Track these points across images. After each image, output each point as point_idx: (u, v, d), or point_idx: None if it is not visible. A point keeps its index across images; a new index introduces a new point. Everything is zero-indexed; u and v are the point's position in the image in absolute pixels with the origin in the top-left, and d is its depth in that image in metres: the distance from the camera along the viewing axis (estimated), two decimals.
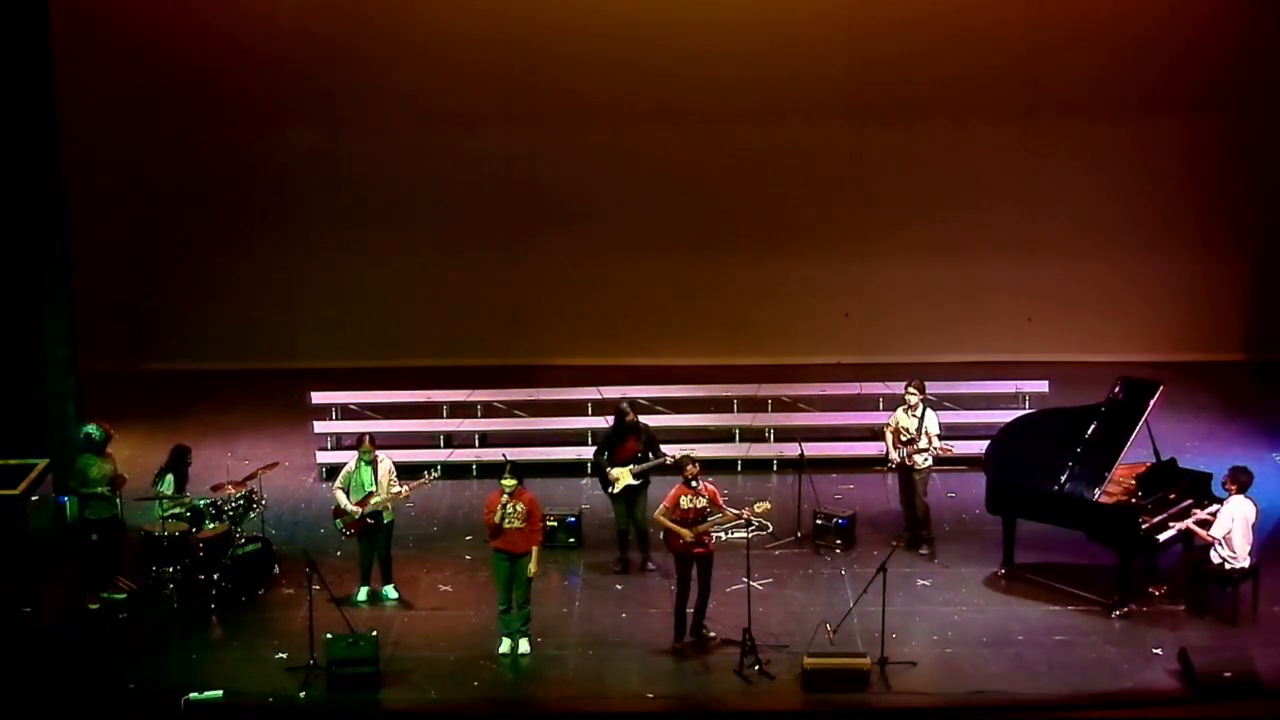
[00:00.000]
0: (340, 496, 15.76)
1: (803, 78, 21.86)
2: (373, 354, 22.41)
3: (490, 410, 20.27)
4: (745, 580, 15.26)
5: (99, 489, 15.79)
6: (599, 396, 19.77)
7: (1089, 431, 15.69)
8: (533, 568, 14.71)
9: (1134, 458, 15.81)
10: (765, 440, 19.57)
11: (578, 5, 21.77)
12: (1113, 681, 14.12)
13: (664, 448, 16.49)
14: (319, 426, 19.83)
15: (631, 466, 16.28)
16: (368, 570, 15.94)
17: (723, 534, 15.66)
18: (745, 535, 15.46)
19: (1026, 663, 14.45)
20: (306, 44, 21.84)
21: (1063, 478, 15.52)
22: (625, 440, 16.40)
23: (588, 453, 18.73)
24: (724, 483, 17.89)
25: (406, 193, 22.38)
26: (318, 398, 20.29)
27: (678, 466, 14.96)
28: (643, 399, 19.70)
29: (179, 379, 22.16)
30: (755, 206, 22.33)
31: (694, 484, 14.63)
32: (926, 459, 16.47)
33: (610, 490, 16.44)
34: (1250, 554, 15.08)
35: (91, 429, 16.05)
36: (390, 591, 15.95)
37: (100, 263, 21.57)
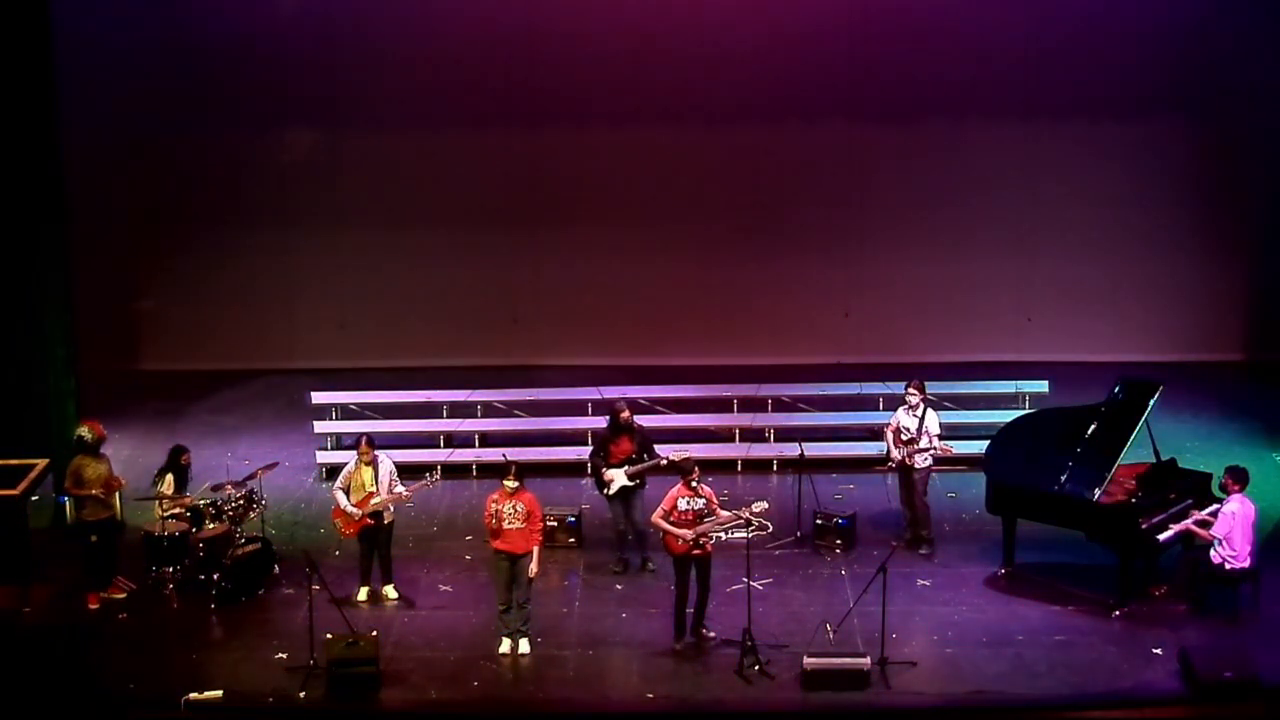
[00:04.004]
0: (340, 497, 15.76)
1: (803, 78, 21.85)
2: (373, 354, 22.41)
3: (490, 410, 20.28)
4: (745, 580, 15.26)
5: (93, 490, 15.79)
6: (599, 396, 19.78)
7: (1089, 431, 15.69)
8: (534, 568, 14.72)
9: (1134, 458, 15.80)
10: (765, 440, 19.57)
11: (578, 5, 21.74)
12: (1113, 681, 14.12)
13: (662, 448, 16.50)
14: (319, 426, 19.84)
15: (626, 468, 16.29)
16: (368, 570, 15.95)
17: (723, 534, 15.64)
18: (745, 535, 15.45)
19: (1026, 663, 14.45)
20: (306, 44, 21.83)
21: (1063, 478, 15.51)
22: (620, 440, 16.40)
23: (587, 453, 18.73)
24: (724, 483, 17.98)
25: (406, 193, 22.37)
26: (318, 398, 20.30)
27: (681, 468, 14.93)
28: (643, 399, 19.72)
29: (179, 379, 22.16)
30: (755, 207, 22.32)
31: (694, 485, 14.62)
32: (927, 459, 16.47)
33: (605, 491, 16.45)
34: (1250, 554, 15.08)
35: (83, 431, 16.05)
36: (390, 591, 15.96)
37: (100, 263, 21.58)
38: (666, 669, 14.55)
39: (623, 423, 16.44)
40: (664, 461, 16.14)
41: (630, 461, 16.31)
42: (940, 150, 22.11)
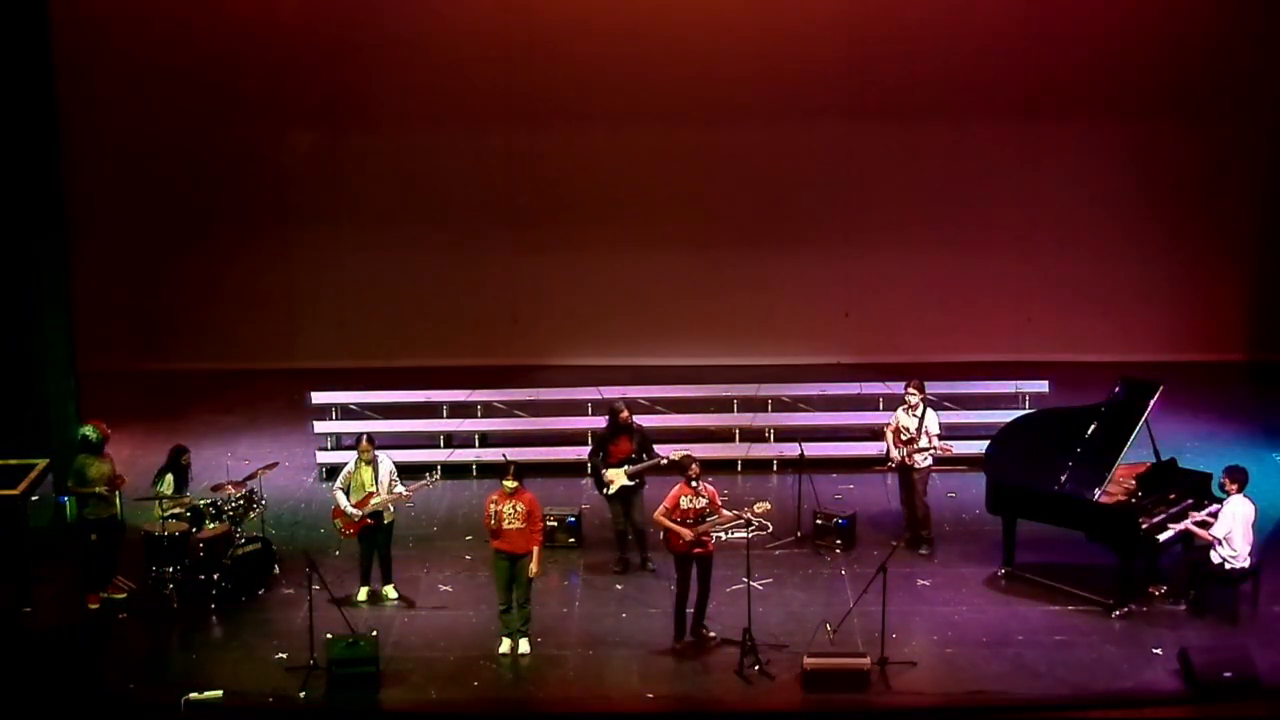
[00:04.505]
0: (340, 497, 15.76)
1: (803, 78, 21.86)
2: (373, 354, 22.41)
3: (490, 410, 20.28)
4: (745, 580, 15.26)
5: (97, 488, 15.79)
6: (599, 396, 19.77)
7: (1089, 431, 15.69)
8: (534, 568, 14.72)
9: (1134, 458, 15.80)
10: (765, 440, 19.57)
11: (578, 5, 21.76)
12: (1113, 681, 14.12)
13: (662, 448, 16.51)
14: (319, 426, 19.84)
15: (626, 467, 16.29)
16: (368, 570, 15.94)
17: (723, 534, 15.65)
18: (745, 535, 15.45)
19: (1026, 663, 14.44)
20: (306, 44, 21.84)
21: (1063, 478, 15.52)
22: (619, 440, 16.40)
23: (587, 453, 18.72)
24: (724, 483, 17.93)
25: (406, 193, 22.38)
26: (318, 398, 20.29)
27: (680, 466, 14.95)
28: (643, 399, 19.72)
29: (179, 379, 22.16)
30: (755, 206, 22.32)
31: (695, 484, 14.62)
32: (927, 459, 16.47)
33: (605, 491, 16.45)
34: (1250, 554, 15.08)
35: (88, 430, 16.06)
36: (390, 591, 15.96)
37: (100, 263, 21.59)
38: (666, 669, 14.55)
39: (622, 422, 16.44)
40: (664, 461, 16.15)
41: (630, 461, 16.32)
42: (940, 150, 22.11)
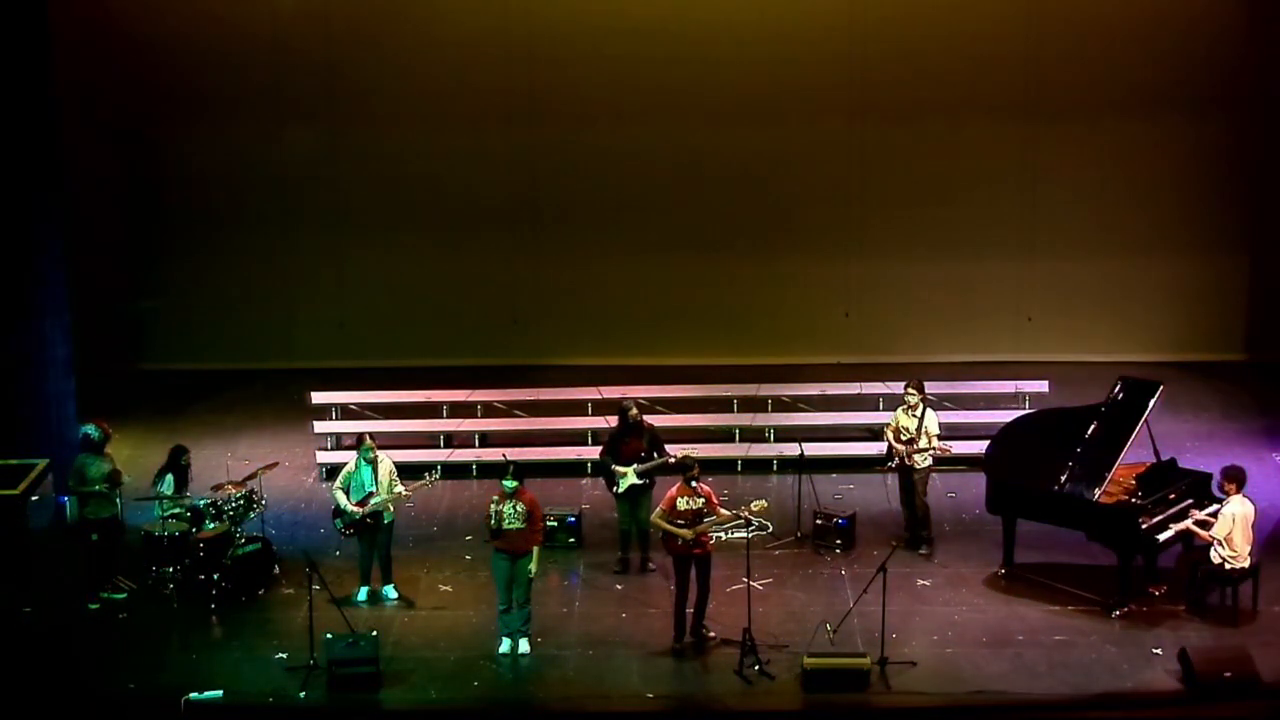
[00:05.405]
0: (340, 497, 15.76)
1: (803, 78, 21.87)
2: (373, 354, 22.42)
3: (490, 410, 20.28)
4: (745, 580, 15.26)
5: (98, 487, 15.80)
6: (599, 396, 19.78)
7: (1089, 431, 15.70)
8: (533, 568, 14.72)
9: (1134, 458, 15.81)
10: (765, 440, 19.57)
11: (578, 6, 21.78)
12: (1113, 681, 14.12)
13: (667, 447, 16.50)
14: (319, 426, 19.84)
15: (635, 466, 16.28)
16: (368, 570, 15.94)
17: (723, 534, 15.66)
18: (745, 535, 15.45)
19: (1026, 663, 14.45)
20: (306, 44, 21.85)
21: (1063, 478, 15.53)
22: (629, 439, 16.40)
23: (588, 452, 18.74)
24: (724, 483, 17.98)
25: (406, 193, 22.39)
26: (318, 398, 20.29)
27: (680, 466, 14.95)
28: (643, 399, 19.67)
29: (179, 379, 22.17)
30: (755, 206, 22.33)
31: (692, 484, 14.61)
32: (926, 459, 16.47)
33: (615, 490, 16.45)
34: (1250, 554, 15.08)
35: (90, 429, 16.07)
36: (390, 591, 15.96)
37: (100, 263, 21.59)
38: (666, 669, 14.55)
39: (632, 421, 16.43)
40: (673, 459, 16.14)
41: (639, 460, 16.30)
42: (940, 150, 22.12)
